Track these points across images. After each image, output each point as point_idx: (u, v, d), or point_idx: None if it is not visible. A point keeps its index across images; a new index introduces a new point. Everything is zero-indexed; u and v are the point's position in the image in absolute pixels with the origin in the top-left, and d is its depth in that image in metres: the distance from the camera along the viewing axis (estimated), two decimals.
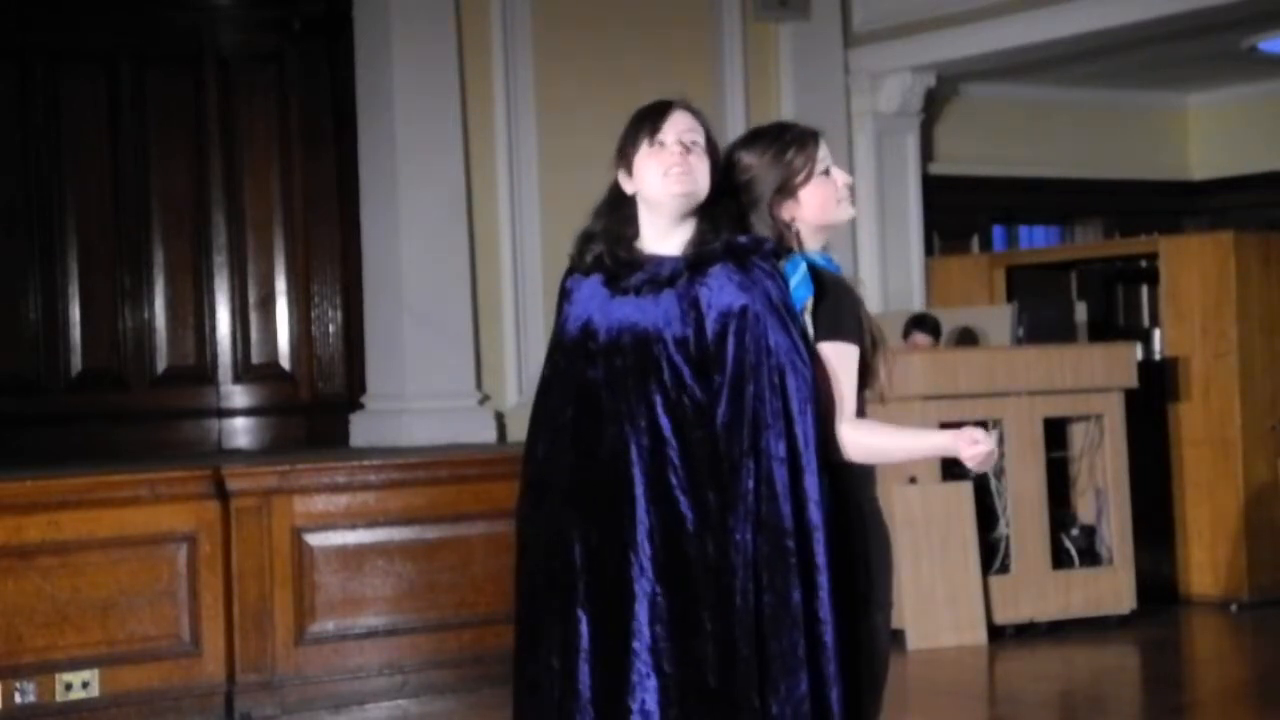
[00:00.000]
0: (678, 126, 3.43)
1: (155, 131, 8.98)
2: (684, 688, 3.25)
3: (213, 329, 9.07)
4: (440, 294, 8.62)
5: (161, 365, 8.98)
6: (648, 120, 3.45)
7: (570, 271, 3.52)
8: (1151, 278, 9.63)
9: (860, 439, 3.44)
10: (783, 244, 3.54)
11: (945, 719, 6.75)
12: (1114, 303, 10.32)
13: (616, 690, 3.28)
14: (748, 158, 3.57)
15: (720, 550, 3.25)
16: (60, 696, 6.44)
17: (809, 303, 3.44)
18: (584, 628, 3.32)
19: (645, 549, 3.28)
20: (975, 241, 11.10)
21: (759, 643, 3.22)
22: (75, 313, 8.79)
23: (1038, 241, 11.66)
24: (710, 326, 3.33)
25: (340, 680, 6.96)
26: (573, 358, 3.42)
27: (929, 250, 10.37)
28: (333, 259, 9.09)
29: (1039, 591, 8.11)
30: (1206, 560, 8.69)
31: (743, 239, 3.45)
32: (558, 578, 3.36)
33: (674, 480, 3.29)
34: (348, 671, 6.98)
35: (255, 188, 9.12)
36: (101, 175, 8.87)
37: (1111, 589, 8.28)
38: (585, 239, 3.50)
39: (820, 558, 3.26)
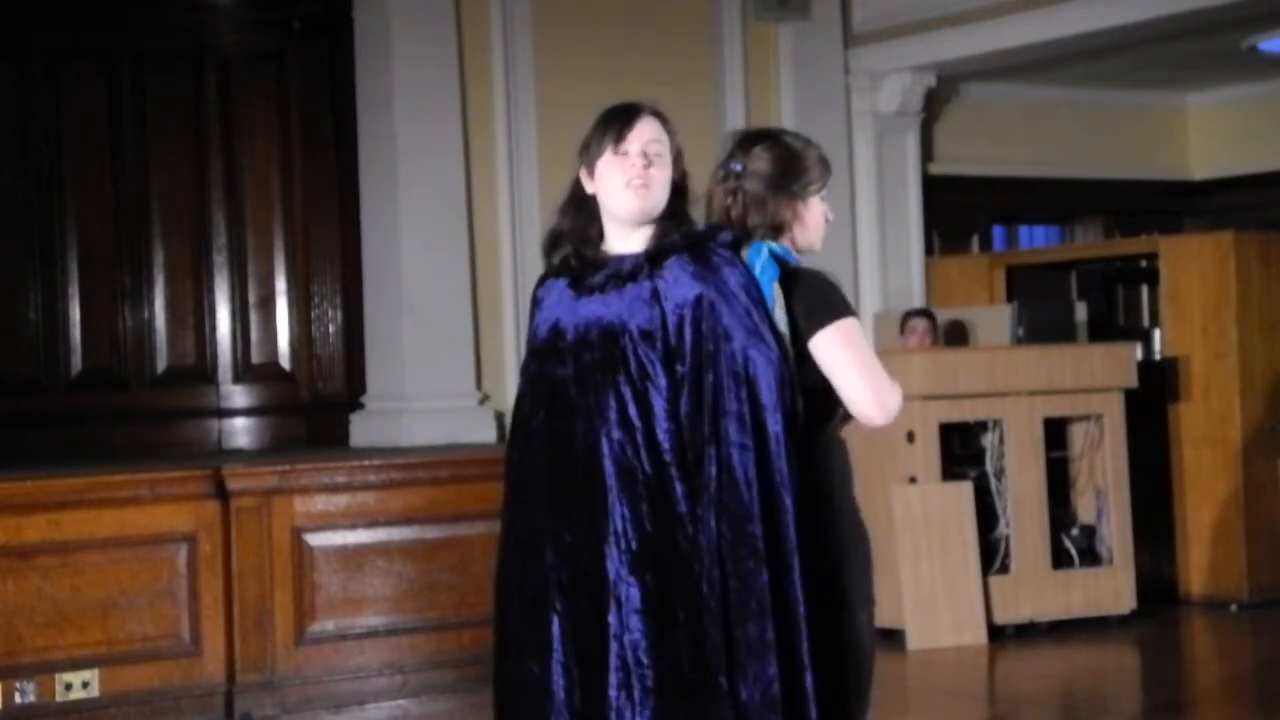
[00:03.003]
0: (643, 135, 3.45)
1: (155, 131, 8.97)
2: (662, 677, 3.29)
3: (213, 329, 9.07)
4: (440, 294, 8.63)
5: (161, 365, 8.98)
6: (614, 125, 3.47)
7: (541, 281, 3.59)
8: (1151, 278, 9.63)
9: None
10: (778, 231, 3.59)
11: (945, 719, 6.75)
12: (1114, 303, 10.32)
13: (595, 684, 3.31)
14: (768, 151, 3.62)
15: (690, 539, 3.29)
16: (60, 696, 6.44)
17: (776, 285, 3.45)
18: (555, 629, 3.35)
19: (620, 541, 3.32)
20: (975, 241, 11.10)
21: (726, 628, 3.25)
22: (75, 313, 8.79)
23: (1038, 241, 11.66)
24: (670, 319, 3.36)
25: (340, 680, 6.96)
26: (543, 360, 3.46)
27: (929, 250, 10.37)
28: (333, 259, 9.09)
29: (1039, 591, 8.11)
30: (1206, 560, 8.69)
31: (700, 229, 3.50)
32: (527, 581, 3.40)
33: (646, 472, 3.32)
34: (348, 671, 6.98)
35: (255, 188, 9.12)
36: (101, 175, 8.87)
37: (1111, 589, 8.28)
38: (553, 239, 3.57)
39: (791, 542, 3.29)
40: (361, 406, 8.83)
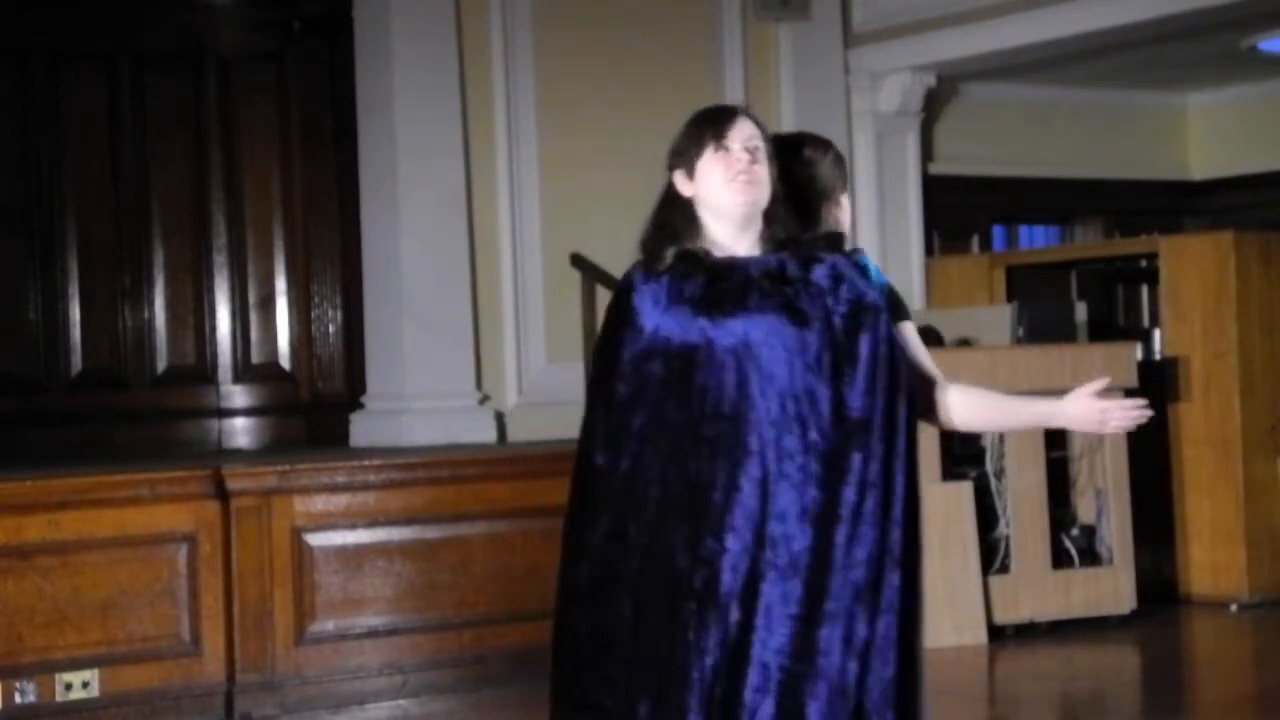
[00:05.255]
0: (743, 133, 3.39)
1: (155, 131, 8.98)
2: (800, 679, 3.28)
3: (213, 329, 9.07)
4: (440, 294, 8.62)
5: (161, 365, 8.98)
6: (711, 125, 3.40)
7: (640, 276, 3.41)
8: (1151, 278, 9.63)
9: (972, 405, 3.59)
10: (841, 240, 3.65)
11: (945, 719, 6.75)
12: (1114, 303, 10.32)
13: (732, 688, 3.27)
14: (812, 153, 3.64)
15: (845, 545, 3.32)
16: (60, 696, 6.44)
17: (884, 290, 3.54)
18: (691, 636, 3.26)
19: (776, 547, 3.27)
20: (975, 241, 11.10)
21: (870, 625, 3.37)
22: (75, 313, 8.79)
23: (1038, 241, 11.66)
24: (836, 324, 3.32)
25: (340, 680, 6.96)
26: (675, 362, 3.33)
27: (929, 250, 10.37)
28: (333, 259, 9.09)
29: (1039, 591, 8.11)
30: (1206, 560, 8.69)
31: (821, 234, 3.50)
32: (653, 591, 3.29)
33: (807, 477, 3.29)
34: (348, 671, 6.98)
35: (255, 188, 9.12)
36: (101, 175, 8.87)
37: (1111, 589, 8.28)
38: (664, 237, 3.41)
39: (917, 545, 3.48)
40: (361, 406, 8.82)
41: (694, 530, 3.28)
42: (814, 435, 3.28)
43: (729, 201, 3.37)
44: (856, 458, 3.29)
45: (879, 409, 3.30)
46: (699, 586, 3.27)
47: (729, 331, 3.32)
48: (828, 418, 3.29)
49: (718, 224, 3.40)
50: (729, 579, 3.27)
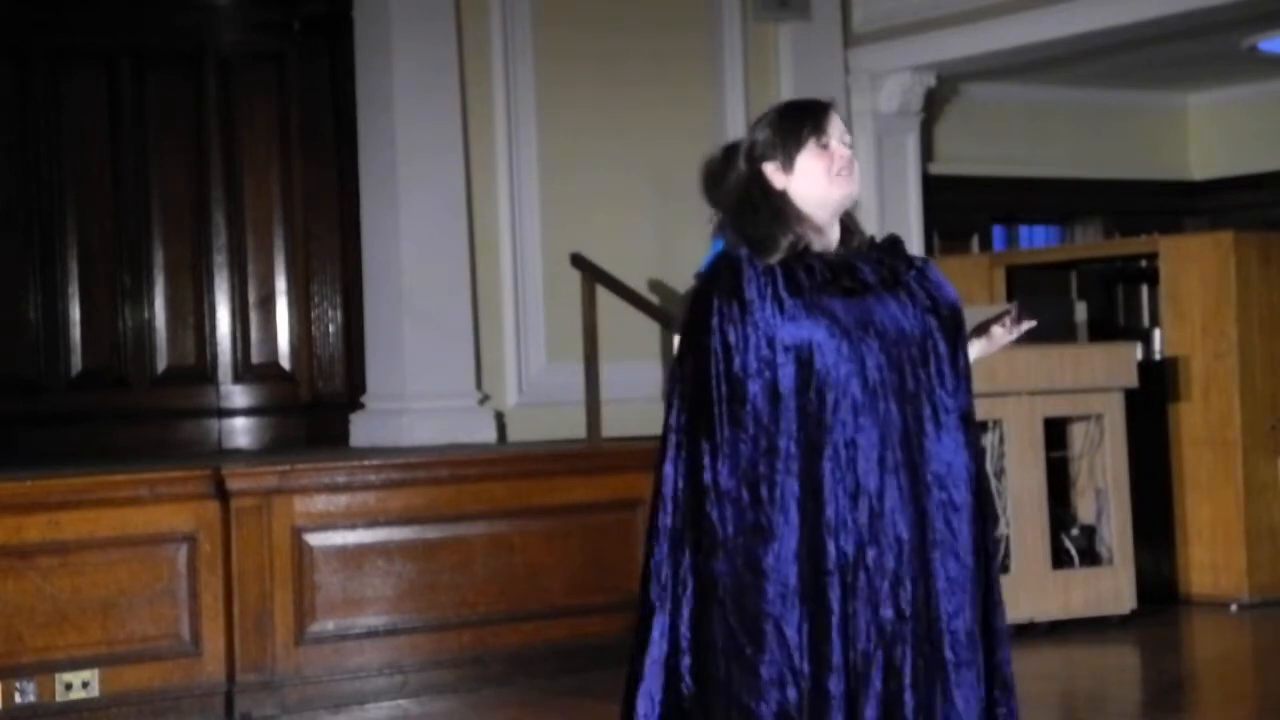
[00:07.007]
0: (837, 128, 3.45)
1: (155, 131, 8.99)
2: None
3: (213, 329, 9.08)
4: (440, 294, 8.63)
5: (161, 365, 8.99)
6: (809, 120, 3.44)
7: (748, 264, 3.35)
8: (1151, 278, 9.62)
9: None
10: None
11: None
12: (1114, 303, 10.31)
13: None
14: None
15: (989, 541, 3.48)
16: (60, 696, 6.43)
17: None
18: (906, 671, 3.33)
19: (944, 544, 3.38)
20: (975, 241, 11.11)
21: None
22: (75, 313, 8.80)
23: (1038, 241, 11.67)
24: (941, 321, 3.46)
25: (340, 680, 6.95)
26: (804, 362, 3.31)
27: (929, 250, 10.38)
28: (333, 259, 9.09)
29: (1039, 591, 8.11)
30: (1206, 560, 8.69)
31: (892, 235, 3.62)
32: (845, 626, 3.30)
33: (966, 478, 3.43)
34: (348, 671, 6.97)
35: (255, 188, 9.13)
36: (101, 175, 8.88)
37: (1111, 589, 8.28)
38: (778, 226, 3.39)
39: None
40: (361, 406, 8.83)
41: (835, 540, 3.31)
42: (927, 442, 3.40)
43: (833, 194, 3.42)
44: (972, 452, 3.45)
45: (969, 403, 3.46)
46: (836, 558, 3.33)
47: (850, 327, 3.35)
48: (955, 425, 3.42)
49: (810, 218, 3.43)
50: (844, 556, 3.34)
